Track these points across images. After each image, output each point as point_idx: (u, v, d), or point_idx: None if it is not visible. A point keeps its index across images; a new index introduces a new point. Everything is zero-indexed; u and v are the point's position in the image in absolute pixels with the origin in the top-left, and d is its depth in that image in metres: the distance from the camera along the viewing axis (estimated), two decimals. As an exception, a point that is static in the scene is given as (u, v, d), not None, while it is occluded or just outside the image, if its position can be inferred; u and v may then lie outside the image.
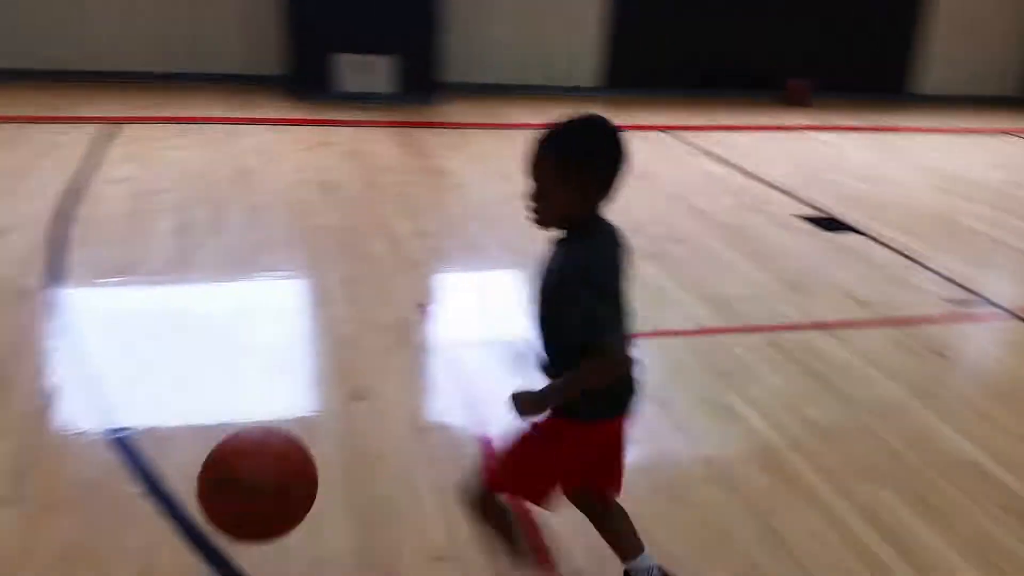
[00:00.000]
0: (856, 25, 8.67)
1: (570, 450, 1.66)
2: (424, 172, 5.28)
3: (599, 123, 1.62)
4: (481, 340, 3.24)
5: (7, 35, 6.47)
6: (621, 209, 5.28)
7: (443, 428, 2.65)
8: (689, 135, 6.79)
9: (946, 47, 9.07)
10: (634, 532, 1.81)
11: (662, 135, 6.75)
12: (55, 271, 3.41)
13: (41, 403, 2.48)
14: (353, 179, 4.99)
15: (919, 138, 7.57)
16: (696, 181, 5.58)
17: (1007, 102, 9.42)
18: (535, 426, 1.62)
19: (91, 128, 5.44)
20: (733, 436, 2.69)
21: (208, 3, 6.83)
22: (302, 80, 6.79)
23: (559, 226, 1.61)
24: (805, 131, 7.35)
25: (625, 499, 1.86)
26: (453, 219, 4.61)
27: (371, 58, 6.88)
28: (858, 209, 5.23)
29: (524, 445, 1.65)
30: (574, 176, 1.55)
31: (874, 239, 4.71)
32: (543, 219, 1.59)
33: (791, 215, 5.01)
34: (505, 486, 1.71)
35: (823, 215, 5.06)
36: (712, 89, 8.37)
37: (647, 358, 3.24)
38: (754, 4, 8.26)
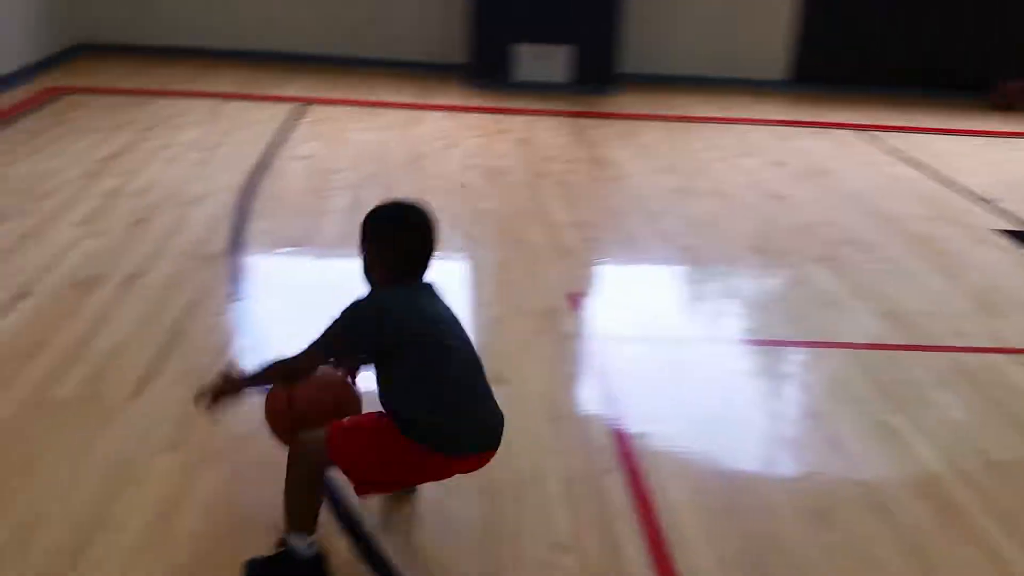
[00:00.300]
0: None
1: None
2: (589, 162, 5.24)
3: (403, 210, 1.91)
4: (628, 335, 3.17)
5: (210, 17, 7.03)
6: (793, 209, 5.08)
7: (578, 419, 2.62)
8: (879, 135, 6.32)
9: None
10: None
11: (847, 133, 6.33)
12: (238, 238, 3.67)
13: (210, 358, 2.67)
14: (519, 166, 5.04)
15: None
16: (881, 184, 5.18)
17: None
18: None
19: (282, 106, 5.82)
20: (895, 461, 2.48)
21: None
22: (481, 69, 6.93)
23: (368, 283, 1.86)
24: (1016, 138, 6.65)
25: (764, 515, 1.75)
26: (612, 210, 4.56)
27: (549, 48, 6.91)
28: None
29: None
30: (369, 248, 1.85)
31: (1086, 259, 4.19)
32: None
33: (989, 229, 4.54)
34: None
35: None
36: (909, 88, 7.73)
37: (807, 367, 3.11)
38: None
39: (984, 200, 4.97)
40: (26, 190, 3.99)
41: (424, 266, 1.85)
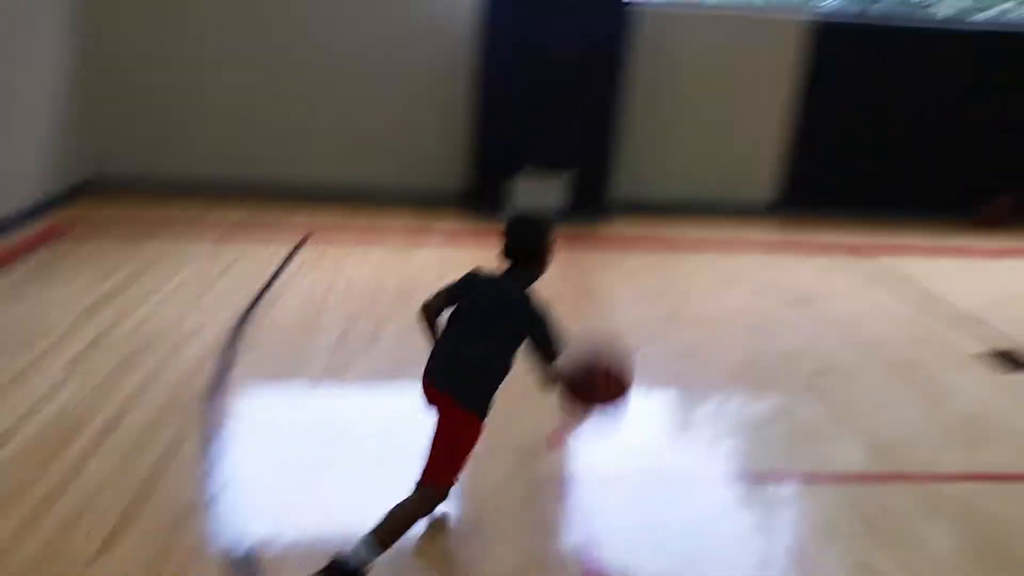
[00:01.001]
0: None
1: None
2: (575, 289, 5.34)
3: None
4: (609, 473, 3.17)
5: (216, 149, 7.26)
6: (777, 337, 5.11)
7: (553, 566, 2.60)
8: (866, 257, 6.44)
9: None
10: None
11: (836, 256, 6.45)
12: (221, 380, 3.73)
13: (179, 513, 2.68)
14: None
15: None
16: (866, 307, 5.25)
17: None
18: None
19: (284, 238, 6.00)
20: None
21: (403, 123, 7.40)
22: (480, 197, 7.17)
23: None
24: (1002, 256, 6.75)
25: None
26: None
27: (547, 176, 7.16)
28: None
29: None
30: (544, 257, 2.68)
31: (1069, 383, 4.19)
32: None
33: (973, 352, 4.57)
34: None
35: (1010, 353, 4.57)
36: (894, 209, 7.93)
37: (791, 503, 3.08)
38: (942, 118, 7.84)
39: (969, 321, 5.01)
40: (19, 331, 4.09)
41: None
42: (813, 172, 7.85)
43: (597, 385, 2.40)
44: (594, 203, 7.23)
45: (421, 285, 5.19)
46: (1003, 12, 8.27)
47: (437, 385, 2.40)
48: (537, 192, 7.14)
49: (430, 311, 2.56)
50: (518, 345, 2.43)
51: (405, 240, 6.21)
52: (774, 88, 7.65)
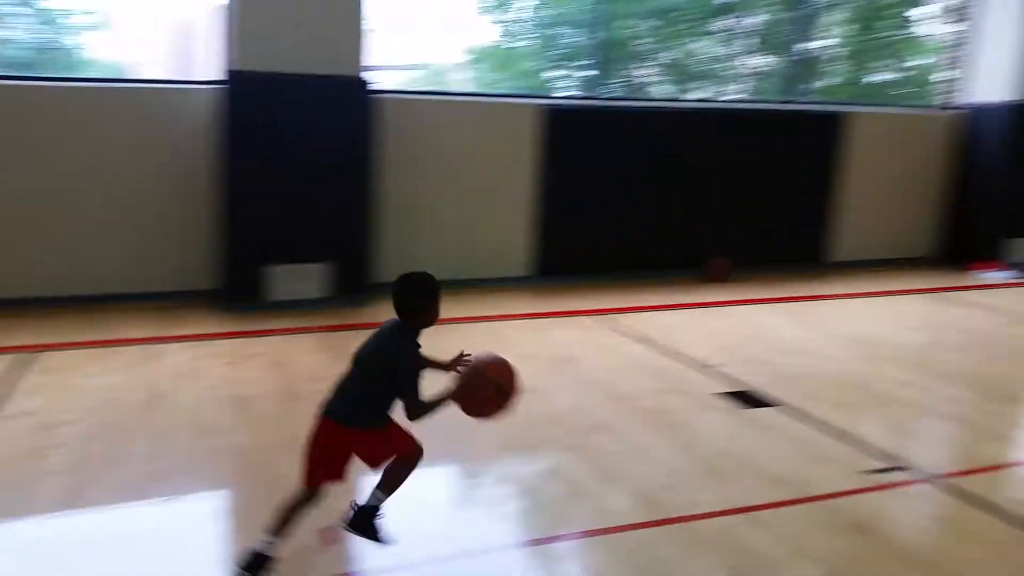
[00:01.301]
0: (772, 199, 9.16)
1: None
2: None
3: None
4: (384, 563, 3.08)
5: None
6: (545, 398, 5.26)
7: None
8: (615, 318, 6.91)
9: (858, 215, 9.62)
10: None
11: (589, 320, 6.86)
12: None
13: None
14: (271, 392, 4.92)
15: (839, 305, 7.81)
16: (621, 365, 5.61)
17: (920, 263, 9.90)
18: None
19: (4, 359, 5.35)
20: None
21: (137, 223, 6.96)
22: (232, 292, 6.87)
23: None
24: (726, 306, 7.54)
25: None
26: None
27: (303, 266, 7.02)
28: (780, 383, 5.27)
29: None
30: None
31: (796, 413, 4.71)
32: None
33: (713, 394, 5.02)
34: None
35: (745, 392, 5.08)
36: (638, 272, 8.65)
37: (564, 564, 3.15)
38: (673, 190, 8.72)
39: (706, 369, 5.51)
40: None
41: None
42: (562, 243, 8.37)
43: (488, 379, 3.01)
44: (358, 289, 7.19)
45: (169, 391, 4.89)
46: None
47: (330, 416, 2.91)
48: (294, 283, 6.98)
49: None
50: (382, 375, 2.89)
51: (148, 346, 5.76)
52: (519, 168, 8.13)
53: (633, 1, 15.14)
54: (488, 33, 14.95)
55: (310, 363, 5.48)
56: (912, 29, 17.47)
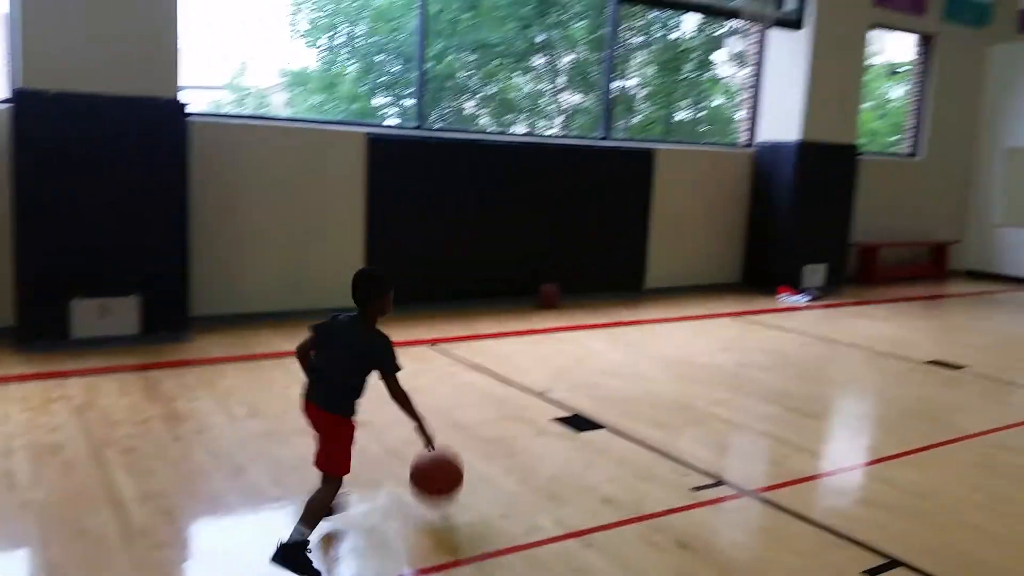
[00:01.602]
0: (594, 229, 9.56)
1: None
2: (163, 419, 4.89)
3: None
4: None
5: None
6: (379, 433, 5.15)
7: None
8: (451, 347, 6.92)
9: (671, 244, 10.24)
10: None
11: (426, 349, 6.83)
12: None
13: None
14: (77, 438, 4.50)
15: (657, 329, 8.23)
16: (458, 394, 5.61)
17: (730, 289, 10.67)
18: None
19: None
20: None
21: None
22: (32, 330, 6.25)
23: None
24: (557, 332, 7.76)
25: None
26: (191, 472, 4.23)
27: (111, 300, 6.50)
28: (607, 405, 5.47)
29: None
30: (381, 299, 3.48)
31: (622, 435, 4.90)
32: None
33: (547, 419, 5.13)
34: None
35: (576, 416, 5.23)
36: (473, 300, 8.73)
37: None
38: (504, 220, 8.89)
39: (541, 395, 5.64)
40: None
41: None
42: (394, 272, 8.29)
43: (441, 470, 3.61)
44: (172, 324, 6.76)
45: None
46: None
47: (315, 402, 3.33)
48: (101, 318, 6.47)
49: (302, 350, 3.46)
50: (365, 367, 3.35)
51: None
52: (347, 196, 8.01)
53: (454, 35, 15.47)
54: (309, 58, 14.74)
55: (121, 406, 5.07)
56: (713, 71, 18.99)
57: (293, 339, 6.94)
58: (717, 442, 4.94)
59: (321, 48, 14.83)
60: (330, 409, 3.31)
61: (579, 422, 5.10)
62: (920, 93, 12.99)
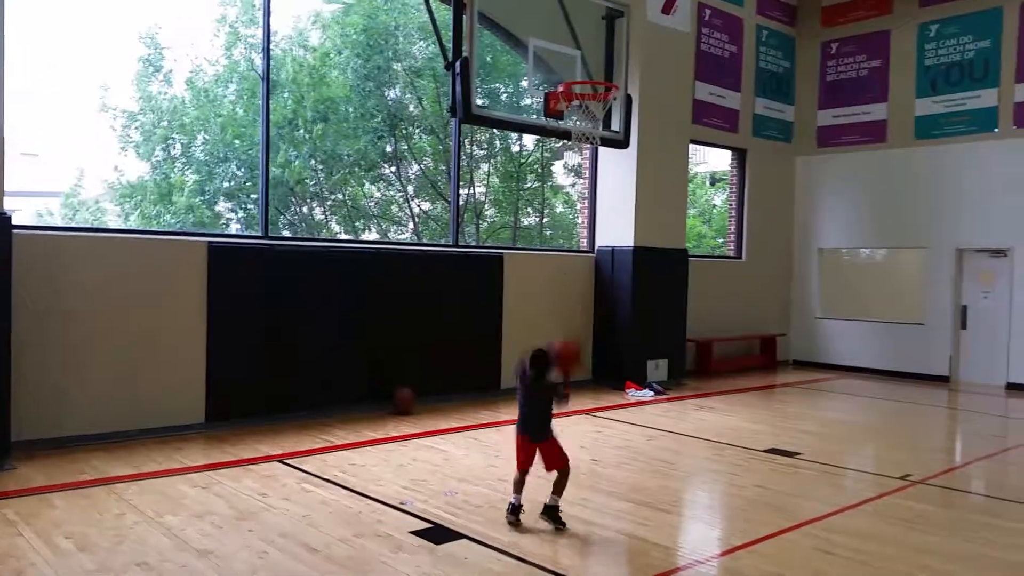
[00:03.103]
0: (448, 333, 9.62)
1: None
2: (-22, 563, 4.37)
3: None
4: None
5: None
6: (221, 565, 4.83)
7: None
8: (302, 461, 6.65)
9: (524, 345, 10.41)
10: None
11: (272, 466, 6.52)
12: None
13: None
14: None
15: (510, 430, 8.23)
16: (310, 514, 5.35)
17: (584, 385, 10.94)
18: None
19: None
20: None
21: None
22: None
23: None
24: (413, 439, 7.64)
25: None
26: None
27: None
28: (467, 513, 5.41)
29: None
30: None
31: (483, 543, 4.84)
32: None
33: (405, 533, 4.99)
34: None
35: (435, 526, 5.12)
36: (324, 410, 8.49)
37: None
38: (355, 326, 8.79)
39: (398, 507, 5.49)
40: None
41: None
42: (238, 386, 7.98)
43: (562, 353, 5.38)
44: (-11, 452, 6.15)
45: None
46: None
47: (531, 437, 5.28)
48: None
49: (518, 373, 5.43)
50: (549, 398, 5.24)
51: None
52: (186, 308, 7.70)
53: (304, 143, 15.52)
54: (142, 168, 14.30)
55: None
56: (553, 180, 19.97)
57: (127, 463, 6.51)
58: (578, 543, 4.97)
59: (157, 159, 14.44)
60: (538, 438, 5.26)
61: (438, 533, 5.00)
62: (739, 200, 14.21)
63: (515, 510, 5.21)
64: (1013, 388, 12.25)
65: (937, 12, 13.16)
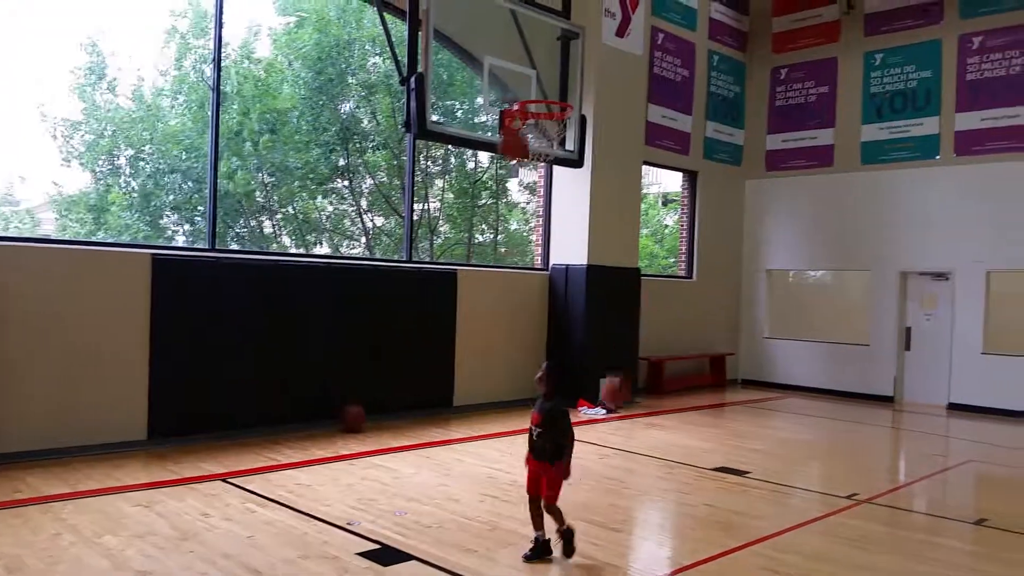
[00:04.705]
0: (400, 349, 9.52)
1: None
2: None
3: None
4: None
5: None
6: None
7: None
8: (246, 480, 6.48)
9: (478, 361, 10.40)
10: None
11: (216, 485, 6.34)
12: None
13: None
14: None
15: (465, 448, 8.21)
16: (253, 534, 5.21)
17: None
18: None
19: None
20: None
21: None
22: None
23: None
24: (362, 458, 7.52)
25: None
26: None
27: None
28: (416, 533, 5.32)
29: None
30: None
31: (432, 564, 4.76)
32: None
33: (352, 555, 4.88)
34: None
35: (383, 547, 5.02)
36: (270, 427, 8.31)
37: None
38: (303, 342, 8.65)
39: (345, 528, 5.38)
40: None
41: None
42: (181, 402, 7.77)
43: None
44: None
45: None
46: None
47: (534, 455, 5.02)
48: None
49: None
50: (556, 429, 4.95)
51: None
52: (128, 322, 7.49)
53: (252, 155, 15.30)
54: (84, 179, 13.92)
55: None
56: (508, 197, 20.00)
57: (64, 481, 6.27)
58: (529, 564, 4.91)
59: (99, 170, 14.09)
60: (541, 460, 4.97)
61: (386, 555, 4.90)
62: (690, 221, 14.39)
63: (534, 545, 4.94)
64: (954, 408, 12.57)
65: (882, 42, 13.57)
